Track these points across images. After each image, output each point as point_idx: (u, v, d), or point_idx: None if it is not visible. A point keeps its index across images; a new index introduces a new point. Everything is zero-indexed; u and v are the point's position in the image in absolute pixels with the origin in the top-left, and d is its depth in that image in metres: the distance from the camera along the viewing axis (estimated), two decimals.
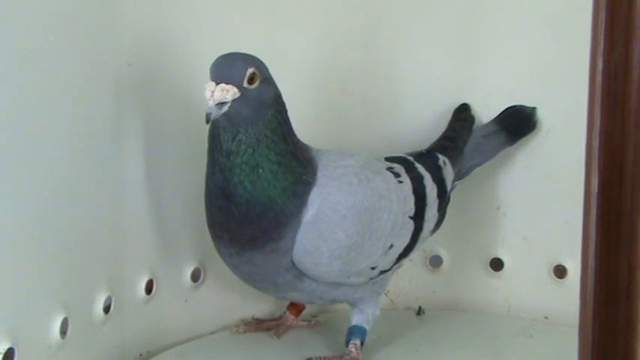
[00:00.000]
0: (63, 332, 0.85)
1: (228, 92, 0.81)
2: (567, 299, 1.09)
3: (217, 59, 0.83)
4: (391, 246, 0.93)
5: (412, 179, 0.97)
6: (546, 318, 1.10)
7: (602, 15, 0.36)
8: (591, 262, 0.38)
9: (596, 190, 0.36)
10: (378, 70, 1.11)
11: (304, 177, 0.87)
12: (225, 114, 0.82)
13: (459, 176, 1.04)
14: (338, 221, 0.88)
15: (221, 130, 0.84)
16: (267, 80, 0.85)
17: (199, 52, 0.93)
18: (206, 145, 0.88)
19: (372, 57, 1.11)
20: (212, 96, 0.80)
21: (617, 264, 0.38)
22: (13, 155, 0.77)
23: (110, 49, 0.93)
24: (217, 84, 0.81)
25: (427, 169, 0.99)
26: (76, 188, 0.88)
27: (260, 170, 0.84)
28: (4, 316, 0.76)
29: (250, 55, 0.85)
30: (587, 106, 0.38)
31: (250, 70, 0.83)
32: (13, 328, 0.76)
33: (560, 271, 1.11)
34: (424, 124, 1.11)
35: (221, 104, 0.81)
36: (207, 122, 0.81)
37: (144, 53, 0.97)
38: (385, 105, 1.12)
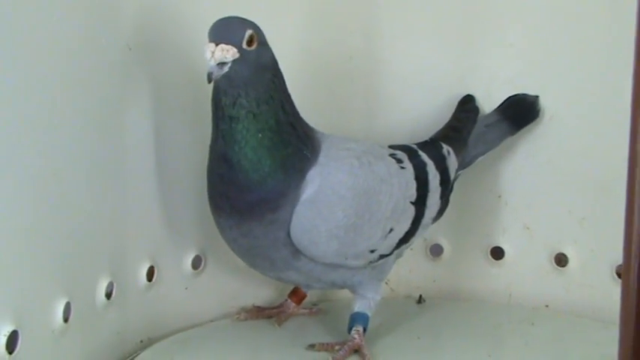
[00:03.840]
0: (66, 317, 0.84)
1: (228, 52, 0.81)
2: (568, 287, 1.11)
3: (216, 22, 0.84)
4: (391, 230, 0.94)
5: (415, 166, 0.97)
6: (547, 306, 1.11)
7: None
8: (635, 250, 0.37)
9: None
10: (379, 58, 1.11)
11: (304, 152, 0.88)
12: (226, 76, 0.82)
13: (462, 165, 1.04)
14: (337, 201, 0.88)
15: (222, 96, 0.85)
16: (265, 44, 0.86)
17: (200, 33, 0.93)
18: (208, 131, 0.88)
19: (373, 45, 1.11)
20: (213, 56, 0.81)
21: None
22: (14, 141, 0.77)
23: (110, 33, 0.93)
24: (217, 45, 0.81)
25: (430, 157, 0.99)
26: (78, 174, 0.88)
27: (260, 135, 0.85)
28: (8, 299, 0.76)
29: (247, 19, 0.85)
30: (632, 88, 0.37)
31: (249, 32, 0.83)
32: (17, 312, 0.76)
33: (561, 260, 1.11)
34: (426, 112, 1.11)
35: (222, 64, 0.81)
36: (210, 82, 0.82)
37: (144, 36, 0.97)
38: (387, 93, 1.12)
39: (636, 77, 0.37)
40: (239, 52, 0.82)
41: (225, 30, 0.83)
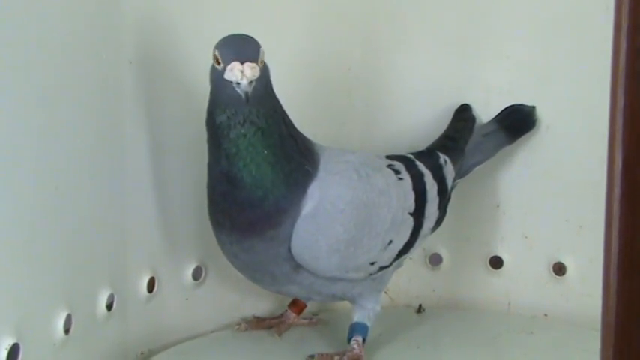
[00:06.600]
0: (66, 329, 0.85)
1: (255, 69, 0.81)
2: (567, 296, 1.11)
3: (230, 40, 0.84)
4: (390, 242, 0.94)
5: (412, 177, 0.97)
6: (546, 315, 1.11)
7: None
8: (615, 241, 0.38)
9: (619, 170, 0.36)
10: (378, 68, 1.12)
11: (305, 166, 0.88)
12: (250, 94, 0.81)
13: (459, 175, 1.05)
14: (336, 215, 0.88)
15: (230, 114, 0.83)
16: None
17: (199, 50, 0.94)
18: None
19: (372, 56, 1.11)
20: (244, 74, 0.80)
21: None
22: (15, 152, 0.77)
23: (111, 47, 0.93)
24: (242, 63, 0.81)
25: (428, 167, 1.00)
26: (78, 186, 0.88)
27: (265, 152, 0.84)
28: (9, 312, 0.76)
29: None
30: (610, 87, 0.38)
31: (262, 49, 0.84)
32: (18, 324, 0.76)
33: (559, 269, 1.11)
34: (424, 123, 1.12)
35: (250, 82, 0.81)
36: (247, 101, 0.81)
37: (145, 51, 0.97)
38: (385, 104, 1.13)
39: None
40: (260, 69, 0.82)
41: (245, 48, 0.83)
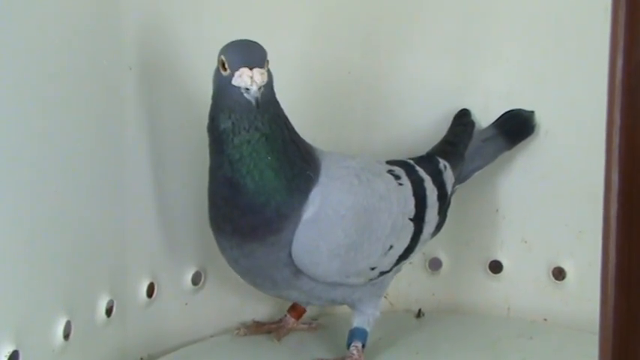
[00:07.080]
0: (66, 335, 0.85)
1: (265, 75, 0.81)
2: (566, 301, 1.11)
3: (238, 45, 0.83)
4: (391, 247, 0.94)
5: (412, 182, 0.97)
6: (545, 320, 1.11)
7: (622, 12, 0.36)
8: (612, 259, 0.38)
9: (616, 186, 0.36)
10: (377, 73, 1.12)
11: (307, 172, 0.88)
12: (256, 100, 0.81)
13: (459, 180, 1.05)
14: (337, 220, 0.88)
15: (235, 120, 0.83)
16: None
17: (200, 55, 0.94)
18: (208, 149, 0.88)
19: (371, 60, 1.11)
20: (254, 80, 0.80)
21: (638, 259, 0.38)
22: (15, 158, 0.77)
23: (111, 53, 0.94)
24: (251, 69, 0.81)
25: (428, 173, 1.00)
26: (78, 192, 0.88)
27: (269, 158, 0.84)
28: (8, 319, 0.76)
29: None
30: (607, 102, 0.38)
31: (267, 54, 0.83)
32: (17, 331, 0.76)
33: (559, 273, 1.11)
34: (423, 127, 1.12)
35: (259, 88, 0.81)
36: (258, 107, 0.81)
37: (145, 56, 0.97)
38: (385, 108, 1.13)
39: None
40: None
41: (253, 53, 0.83)
